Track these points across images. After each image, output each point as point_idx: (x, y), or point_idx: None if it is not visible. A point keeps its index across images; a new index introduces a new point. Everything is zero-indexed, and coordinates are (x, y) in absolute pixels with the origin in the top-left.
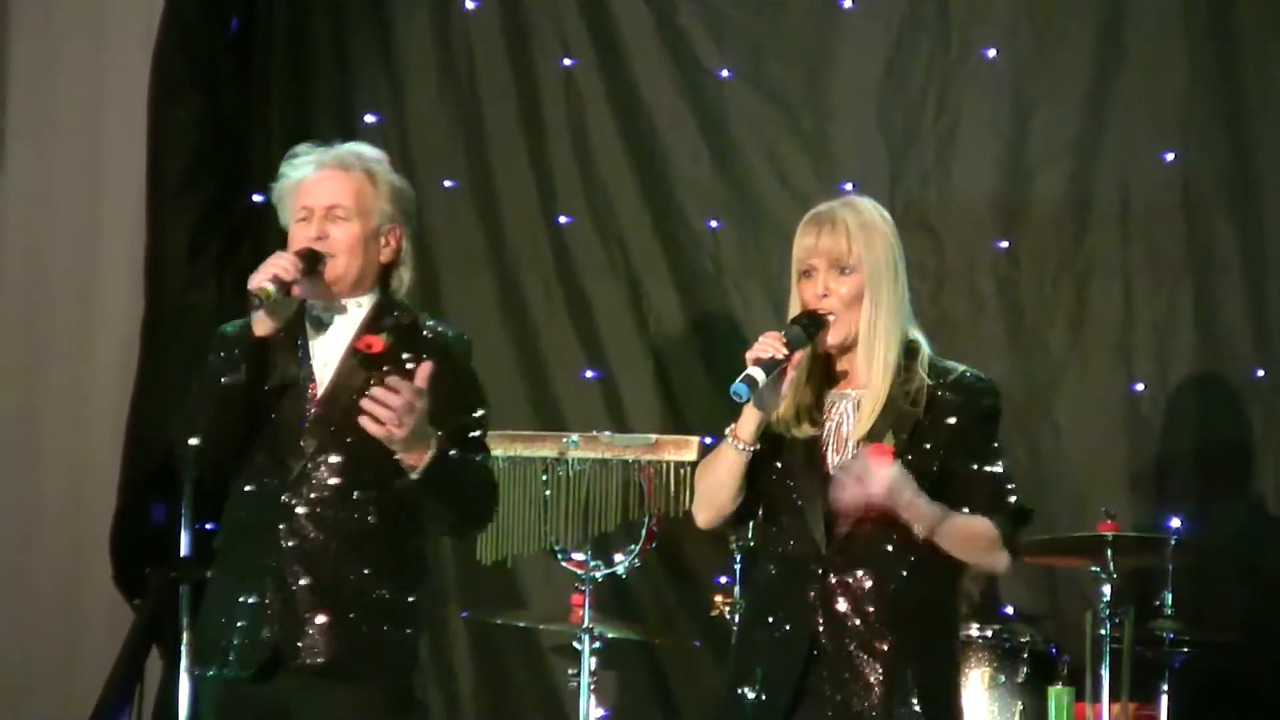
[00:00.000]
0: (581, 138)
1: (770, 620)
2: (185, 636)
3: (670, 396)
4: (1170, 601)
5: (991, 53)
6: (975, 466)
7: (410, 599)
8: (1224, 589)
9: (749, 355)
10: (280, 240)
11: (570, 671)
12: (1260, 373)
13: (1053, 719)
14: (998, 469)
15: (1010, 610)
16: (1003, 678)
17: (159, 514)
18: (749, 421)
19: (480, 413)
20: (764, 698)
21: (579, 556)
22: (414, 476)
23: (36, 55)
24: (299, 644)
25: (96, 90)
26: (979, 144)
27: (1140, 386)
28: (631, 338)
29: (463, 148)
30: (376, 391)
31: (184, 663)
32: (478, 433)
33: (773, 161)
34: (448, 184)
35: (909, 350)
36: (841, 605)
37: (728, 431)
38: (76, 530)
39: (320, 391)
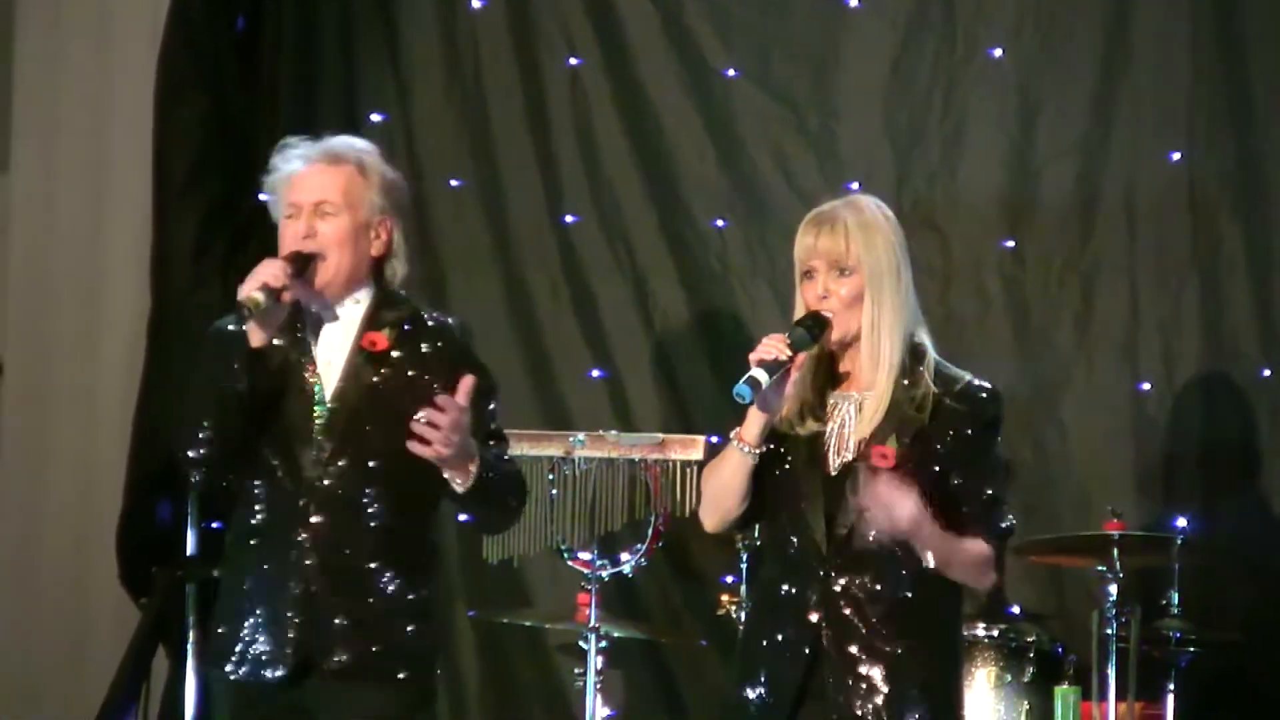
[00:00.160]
0: (587, 137)
1: (774, 621)
2: (192, 635)
3: (676, 396)
4: (1176, 601)
5: (998, 52)
6: (977, 485)
7: (428, 594)
8: (1230, 588)
9: (752, 357)
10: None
11: (576, 671)
12: (1266, 372)
13: (1059, 718)
14: (996, 487)
15: (1016, 610)
16: (1009, 677)
17: (165, 513)
18: (753, 424)
19: (493, 405)
20: (767, 699)
21: (585, 556)
22: (460, 491)
23: (42, 55)
24: (321, 646)
25: (102, 90)
26: (985, 143)
27: (1146, 386)
28: (638, 337)
29: (469, 147)
30: (425, 412)
31: (191, 662)
32: (495, 423)
33: (779, 161)
34: (454, 183)
35: (914, 352)
36: (844, 607)
37: (732, 435)
38: (83, 529)
39: (328, 392)
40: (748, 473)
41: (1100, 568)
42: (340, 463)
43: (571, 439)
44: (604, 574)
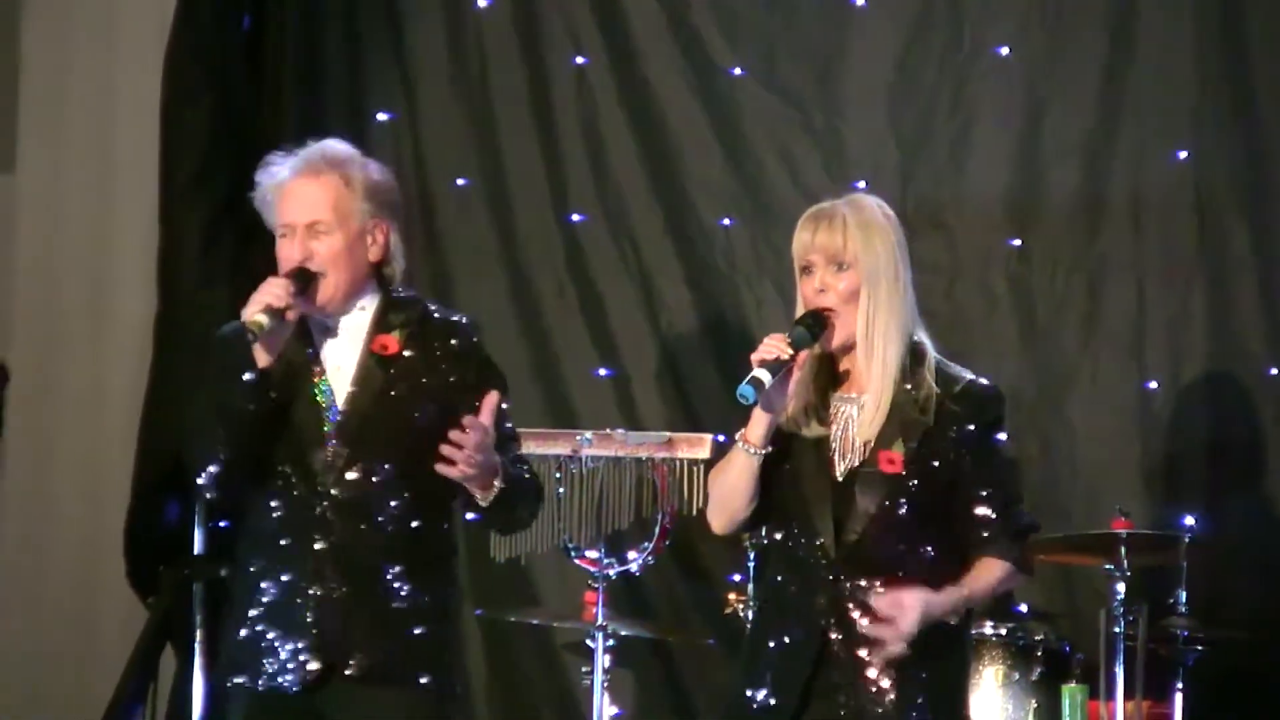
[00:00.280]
0: (593, 136)
1: (780, 625)
2: (199, 635)
3: (683, 394)
4: (1184, 599)
5: (1004, 51)
6: (988, 487)
7: (447, 595)
8: (1237, 587)
9: (754, 357)
10: None
11: (583, 669)
12: (1273, 370)
13: (1067, 717)
14: (1009, 485)
15: (1024, 608)
16: (1017, 676)
17: (172, 512)
18: (758, 424)
19: (506, 405)
20: (773, 702)
21: (592, 554)
22: (482, 505)
23: (48, 56)
24: (340, 652)
25: (108, 90)
26: (991, 142)
27: (1153, 384)
28: (644, 335)
29: (474, 146)
30: (452, 434)
31: (198, 661)
32: (510, 424)
33: (785, 159)
34: (460, 182)
35: (914, 353)
36: (852, 610)
37: (738, 436)
38: (90, 528)
39: (340, 399)
40: (754, 474)
41: (1107, 566)
42: (354, 467)
43: (578, 438)
44: (611, 572)
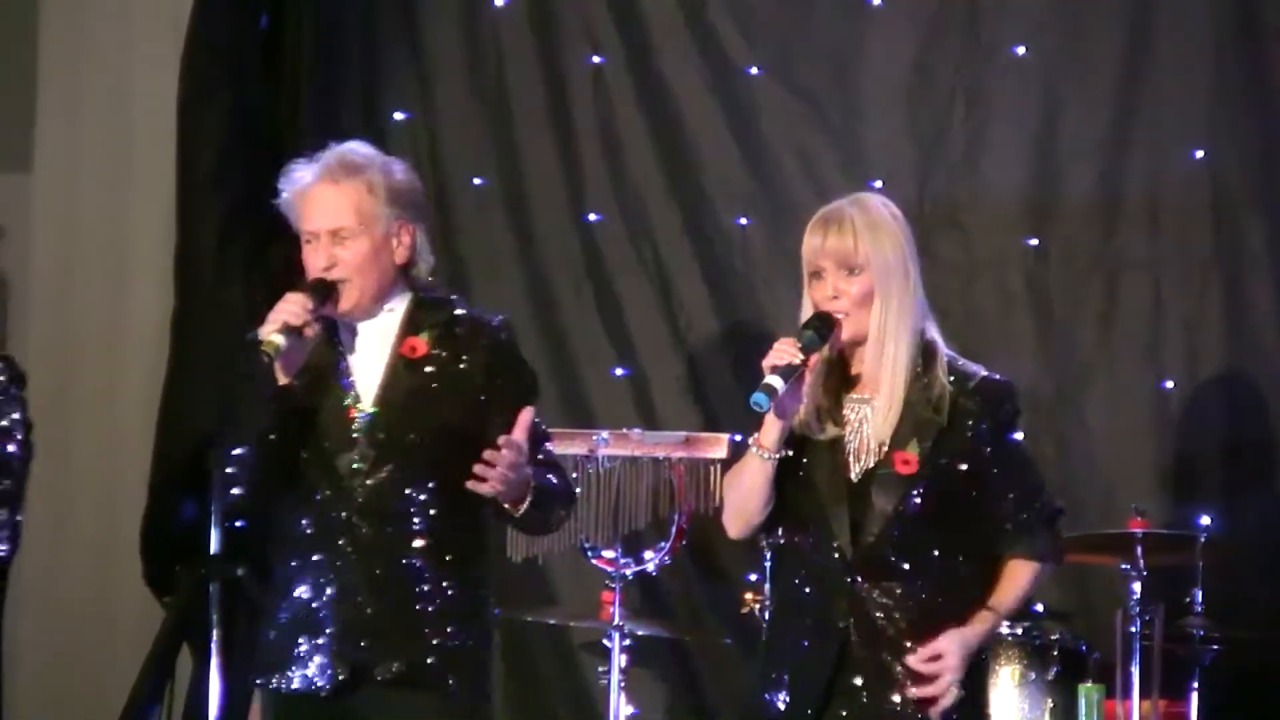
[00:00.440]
0: (610, 135)
1: (797, 627)
2: (215, 635)
3: (700, 394)
4: (1200, 599)
5: (1020, 50)
6: (1011, 481)
7: (479, 598)
8: (1254, 586)
9: (765, 363)
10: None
11: (600, 669)
12: None
13: (1083, 716)
14: (1031, 476)
15: (1040, 608)
16: (1033, 675)
17: (189, 511)
18: (771, 429)
19: (536, 406)
20: (792, 704)
21: (609, 554)
22: (514, 516)
23: (64, 55)
24: (369, 656)
25: (124, 89)
26: (1008, 141)
27: (1169, 384)
28: (661, 335)
29: (492, 145)
30: (486, 454)
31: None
32: (549, 444)
33: (802, 159)
34: (476, 182)
35: (926, 351)
36: (871, 613)
37: (751, 441)
38: (107, 528)
39: (368, 401)
40: (768, 478)
41: (1124, 566)
42: (382, 470)
43: (595, 437)
44: (628, 572)
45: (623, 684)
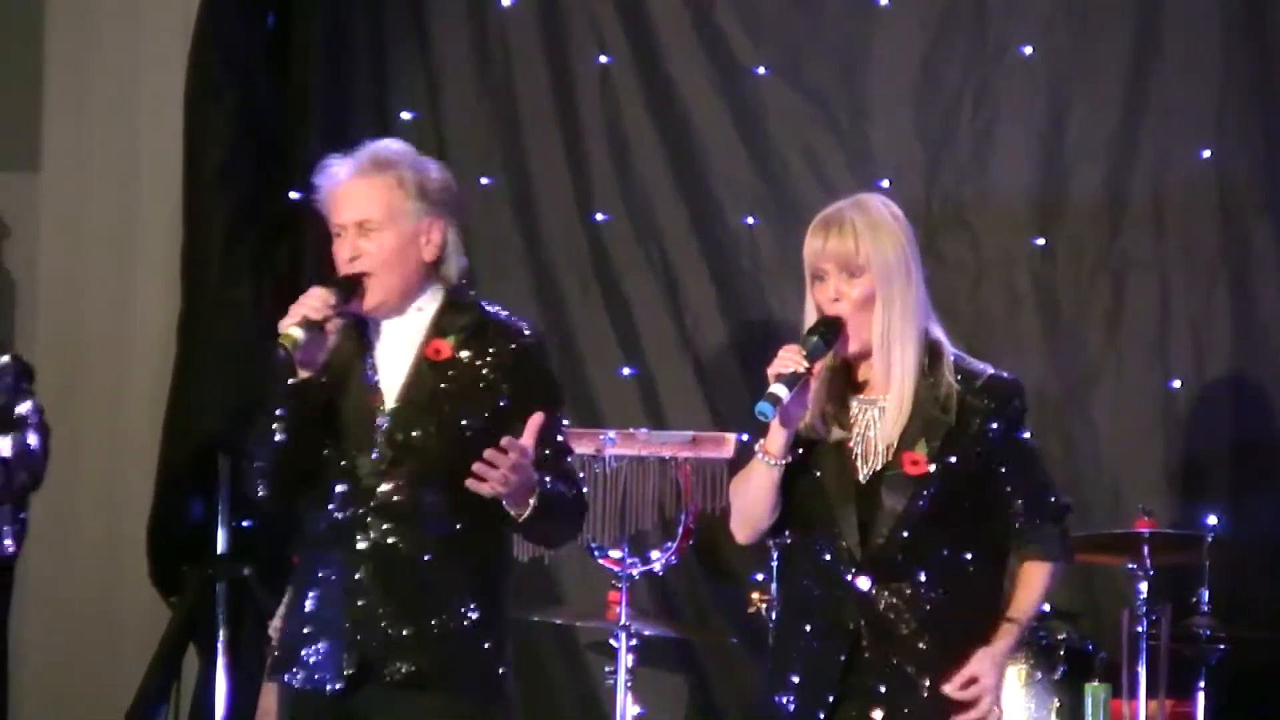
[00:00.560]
0: (618, 135)
1: (808, 629)
2: (222, 634)
3: (707, 393)
4: (1206, 598)
5: (1028, 50)
6: (1020, 479)
7: (495, 599)
8: (1260, 586)
9: (770, 371)
10: (316, 237)
11: (607, 669)
12: None
13: (1089, 716)
14: (1039, 473)
15: (1046, 607)
16: (1039, 674)
17: (196, 511)
18: (777, 436)
19: (560, 418)
20: (802, 705)
21: (616, 554)
22: (516, 520)
23: (71, 54)
24: (381, 656)
25: (132, 88)
26: (1015, 141)
27: (1176, 383)
28: (668, 335)
29: (499, 145)
30: (488, 453)
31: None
32: (561, 437)
33: (809, 159)
34: (484, 181)
35: (932, 351)
36: (881, 614)
37: (757, 447)
38: (113, 527)
39: (390, 401)
40: (775, 484)
41: (1130, 565)
42: (399, 471)
43: (602, 437)
44: (634, 572)
45: (629, 684)
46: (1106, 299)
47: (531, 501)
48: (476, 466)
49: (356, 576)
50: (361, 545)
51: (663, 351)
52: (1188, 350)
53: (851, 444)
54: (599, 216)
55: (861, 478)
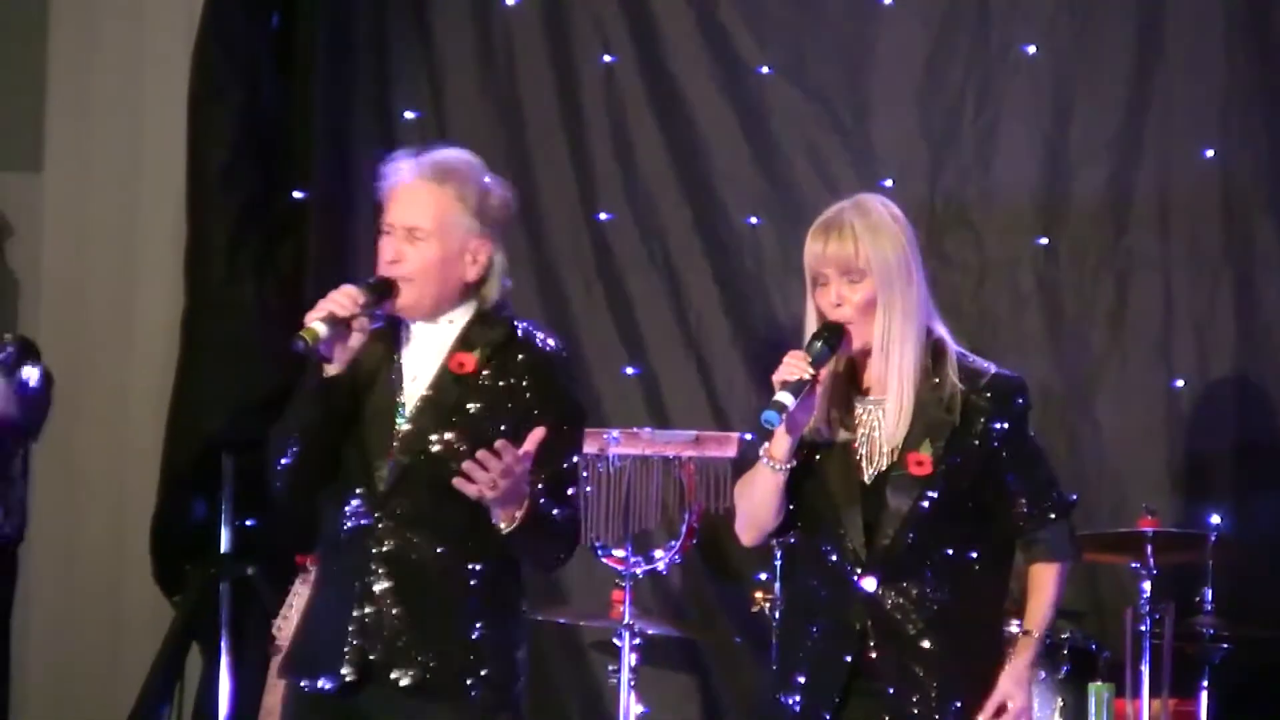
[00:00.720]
0: (621, 134)
1: (814, 630)
2: (225, 634)
3: (711, 393)
4: (1210, 598)
5: (1031, 49)
6: (1025, 477)
7: (507, 607)
8: (1264, 585)
9: (775, 378)
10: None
11: (610, 668)
12: None
13: (1093, 715)
14: (1043, 470)
15: None
16: (1043, 673)
17: (199, 510)
18: (782, 441)
19: (575, 458)
20: (808, 706)
21: (619, 553)
22: (502, 530)
23: (75, 53)
24: (388, 662)
25: (135, 87)
26: (1019, 140)
27: (1180, 383)
28: (672, 334)
29: (503, 144)
30: (479, 454)
31: (224, 660)
32: (568, 463)
33: (813, 158)
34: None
35: (935, 351)
36: (888, 614)
37: (762, 451)
38: (117, 527)
39: (409, 409)
40: (779, 488)
41: (1134, 565)
42: (416, 479)
43: (606, 436)
44: (638, 571)
45: (633, 683)
46: (1110, 298)
47: (518, 515)
48: (466, 465)
49: (369, 581)
50: (375, 550)
51: (666, 351)
52: (1191, 349)
53: (856, 445)
54: (603, 216)
55: (866, 478)
